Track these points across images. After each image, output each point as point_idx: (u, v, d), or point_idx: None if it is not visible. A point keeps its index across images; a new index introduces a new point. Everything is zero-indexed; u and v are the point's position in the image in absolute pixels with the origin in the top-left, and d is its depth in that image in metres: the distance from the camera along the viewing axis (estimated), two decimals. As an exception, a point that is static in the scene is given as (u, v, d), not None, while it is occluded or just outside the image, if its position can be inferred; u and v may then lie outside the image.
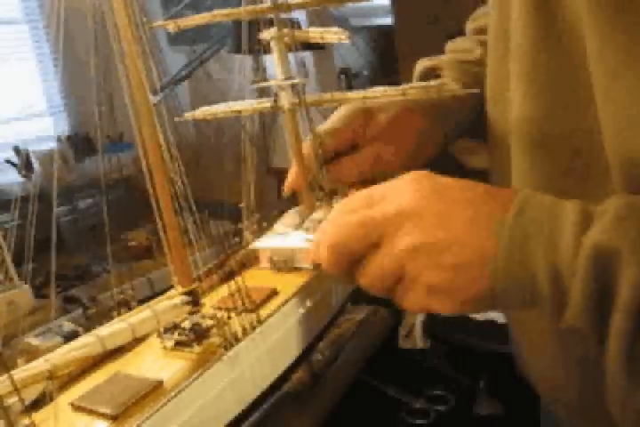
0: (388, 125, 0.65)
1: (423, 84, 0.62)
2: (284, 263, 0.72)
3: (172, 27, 0.61)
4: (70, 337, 0.62)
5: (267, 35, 0.64)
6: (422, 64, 0.74)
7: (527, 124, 0.50)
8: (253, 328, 0.60)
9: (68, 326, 0.79)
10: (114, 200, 0.65)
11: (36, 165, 2.06)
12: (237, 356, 0.58)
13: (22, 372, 0.47)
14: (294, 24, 0.64)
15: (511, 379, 0.70)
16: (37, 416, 0.48)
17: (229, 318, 0.60)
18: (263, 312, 0.62)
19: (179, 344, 0.60)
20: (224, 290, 0.64)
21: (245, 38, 0.65)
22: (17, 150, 2.09)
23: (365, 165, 0.66)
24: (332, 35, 0.62)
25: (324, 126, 0.66)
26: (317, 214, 0.75)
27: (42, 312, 1.21)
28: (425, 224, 0.39)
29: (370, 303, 1.02)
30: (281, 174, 0.73)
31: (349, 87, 2.60)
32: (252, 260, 0.76)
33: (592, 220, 0.36)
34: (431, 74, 0.72)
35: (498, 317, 1.40)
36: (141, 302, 0.60)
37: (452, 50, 0.75)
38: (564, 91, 0.47)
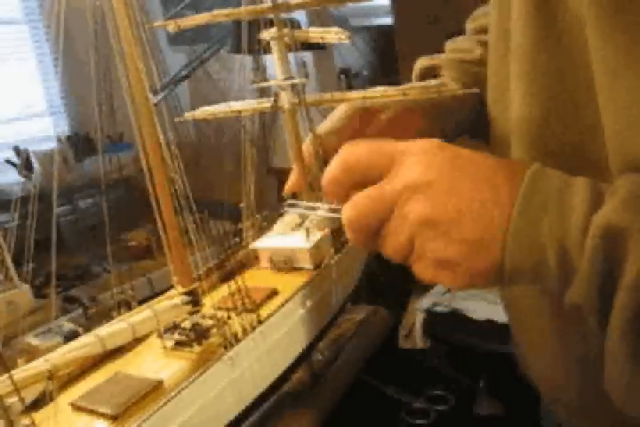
0: (387, 125, 0.64)
1: (423, 84, 0.62)
2: (284, 263, 0.72)
3: (172, 27, 0.61)
4: (70, 337, 0.62)
5: (267, 35, 0.64)
6: (422, 63, 0.74)
7: (527, 123, 0.50)
8: (253, 328, 0.60)
9: (67, 326, 0.79)
10: (114, 200, 0.65)
11: (36, 165, 2.06)
12: (237, 356, 0.58)
13: (22, 372, 0.47)
14: (294, 24, 0.64)
15: (511, 379, 0.70)
16: (37, 416, 0.48)
17: (229, 318, 0.60)
18: (263, 312, 0.62)
19: (179, 344, 0.60)
20: (224, 290, 0.64)
21: (245, 38, 0.65)
22: (17, 150, 2.09)
23: None
24: (333, 35, 0.62)
25: (323, 126, 0.66)
26: (317, 215, 0.75)
27: (42, 312, 1.21)
28: (434, 198, 0.39)
29: (370, 303, 1.02)
30: (281, 174, 0.73)
31: (349, 87, 2.60)
32: (252, 260, 0.76)
33: (602, 198, 0.36)
34: (430, 73, 0.72)
35: (498, 317, 1.40)
36: (141, 302, 0.60)
37: (451, 49, 0.75)
38: (564, 91, 0.47)
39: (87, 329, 0.56)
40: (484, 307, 1.53)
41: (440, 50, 0.76)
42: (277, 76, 0.65)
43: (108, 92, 0.56)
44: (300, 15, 1.87)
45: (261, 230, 0.76)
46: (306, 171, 0.67)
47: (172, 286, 0.61)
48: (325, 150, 0.64)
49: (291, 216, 0.76)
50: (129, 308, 0.60)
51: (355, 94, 0.63)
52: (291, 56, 0.65)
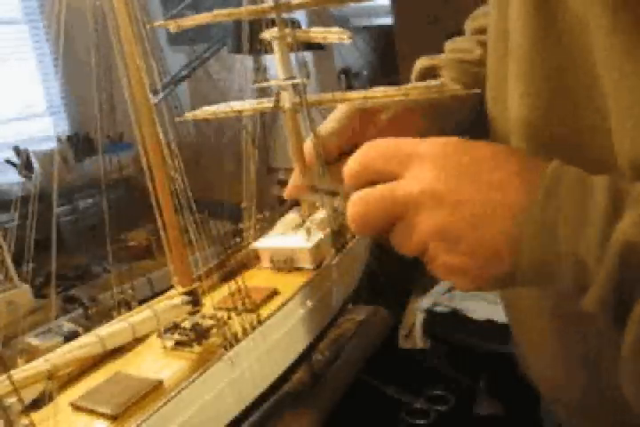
0: (387, 125, 0.64)
1: (424, 84, 0.62)
2: (285, 263, 0.72)
3: (172, 26, 0.61)
4: (70, 337, 0.62)
5: (268, 35, 0.64)
6: (422, 63, 0.74)
7: (526, 124, 0.50)
8: (253, 328, 0.60)
9: (67, 326, 0.79)
10: (114, 200, 0.65)
11: (36, 165, 2.06)
12: (237, 356, 0.58)
13: (22, 372, 0.47)
14: (294, 24, 0.64)
15: (511, 379, 0.70)
16: (37, 416, 0.48)
17: (229, 318, 0.60)
18: (263, 312, 0.62)
19: (179, 344, 0.60)
20: (224, 290, 0.64)
21: (246, 38, 0.65)
22: (17, 150, 2.09)
23: None
24: (334, 35, 0.62)
25: (323, 127, 0.66)
26: (318, 215, 0.75)
27: (42, 312, 1.21)
28: (447, 208, 0.38)
29: (370, 303, 1.02)
30: (282, 174, 0.73)
31: (349, 87, 2.60)
32: (252, 260, 0.76)
33: (622, 205, 0.34)
34: (430, 73, 0.72)
35: (498, 317, 1.40)
36: (141, 302, 0.60)
37: (451, 49, 0.75)
38: (564, 91, 0.47)
39: (87, 329, 0.56)
40: (484, 307, 1.53)
41: (440, 50, 0.76)
42: (279, 76, 0.65)
43: (109, 91, 0.56)
44: (299, 15, 1.87)
45: (262, 230, 0.76)
46: (307, 171, 0.67)
47: (171, 286, 0.61)
48: (326, 151, 0.64)
49: (292, 216, 0.76)
50: (129, 308, 0.60)
51: (355, 94, 0.63)
52: (291, 56, 0.65)
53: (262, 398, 0.63)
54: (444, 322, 1.61)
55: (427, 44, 0.82)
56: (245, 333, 0.59)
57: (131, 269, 0.66)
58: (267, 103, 0.67)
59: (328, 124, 0.66)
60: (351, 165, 0.45)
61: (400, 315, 1.62)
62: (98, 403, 0.51)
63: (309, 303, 0.68)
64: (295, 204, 0.77)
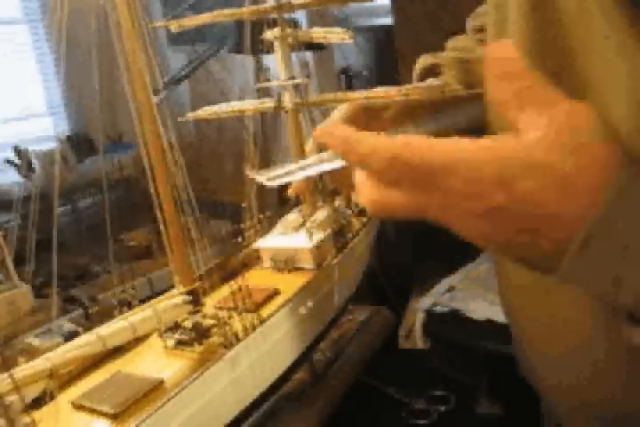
0: (389, 125, 0.64)
1: (426, 84, 0.62)
2: (286, 263, 0.72)
3: (174, 26, 0.61)
4: (70, 337, 0.62)
5: (270, 35, 0.64)
6: (423, 62, 0.73)
7: None
8: (254, 328, 0.60)
9: (67, 326, 0.79)
10: (114, 200, 0.65)
11: (36, 165, 2.06)
12: (238, 356, 0.58)
13: (23, 370, 0.47)
14: (295, 24, 0.64)
15: (512, 379, 0.70)
16: (38, 415, 0.48)
17: (230, 317, 0.60)
18: (264, 312, 0.62)
19: (180, 344, 0.60)
20: (225, 290, 0.64)
21: (247, 38, 0.65)
22: (17, 150, 2.09)
23: None
24: (336, 35, 0.62)
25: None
26: (319, 215, 0.75)
27: (42, 312, 1.21)
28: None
29: (370, 303, 1.02)
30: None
31: (349, 87, 2.59)
32: (253, 260, 0.76)
33: None
34: (431, 72, 0.72)
35: (498, 317, 1.40)
36: (141, 302, 0.60)
37: (452, 48, 0.75)
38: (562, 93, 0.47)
39: (87, 329, 0.56)
40: (484, 307, 1.53)
41: (440, 50, 0.76)
42: (280, 77, 0.66)
43: (110, 91, 0.56)
44: (299, 15, 1.87)
45: (263, 230, 0.76)
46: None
47: (172, 286, 0.61)
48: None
49: (293, 217, 0.76)
50: (130, 307, 0.60)
51: (357, 94, 0.63)
52: (293, 56, 0.65)
53: (262, 397, 0.63)
54: (444, 322, 1.60)
55: (427, 45, 0.82)
56: (246, 332, 0.59)
57: (131, 269, 0.66)
58: (268, 103, 0.67)
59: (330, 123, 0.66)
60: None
61: (400, 315, 1.62)
62: (98, 402, 0.51)
63: (310, 303, 0.68)
64: (296, 204, 0.77)
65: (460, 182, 0.34)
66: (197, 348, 0.58)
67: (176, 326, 0.60)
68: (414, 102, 0.64)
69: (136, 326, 0.55)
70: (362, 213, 0.83)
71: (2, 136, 2.19)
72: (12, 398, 0.45)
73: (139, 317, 0.56)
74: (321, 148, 0.67)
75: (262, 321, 0.61)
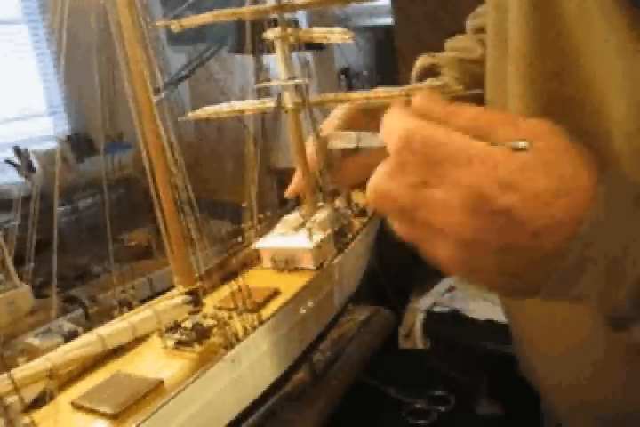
0: None
1: (426, 84, 0.62)
2: (286, 263, 0.72)
3: (175, 26, 0.61)
4: (70, 337, 0.62)
5: (270, 34, 0.64)
6: (422, 62, 0.74)
7: None
8: (254, 328, 0.60)
9: (67, 326, 0.78)
10: (114, 200, 0.65)
11: (36, 165, 2.06)
12: (238, 356, 0.58)
13: (23, 371, 0.47)
14: (296, 24, 0.64)
15: (512, 379, 0.70)
16: (38, 415, 0.48)
17: (230, 318, 0.60)
18: (264, 312, 0.62)
19: (180, 344, 0.59)
20: (225, 290, 0.64)
21: (248, 38, 0.65)
22: (17, 150, 2.09)
23: (367, 166, 0.66)
24: (336, 35, 0.62)
25: (326, 125, 0.66)
26: (319, 215, 0.75)
27: (42, 312, 1.21)
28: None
29: (371, 303, 1.02)
30: (281, 175, 0.73)
31: (349, 87, 2.60)
32: (254, 260, 0.76)
33: None
34: (430, 72, 0.72)
35: (498, 317, 1.40)
36: (141, 302, 0.60)
37: (451, 48, 0.75)
38: (563, 92, 0.47)
39: (87, 329, 0.56)
40: (484, 307, 1.53)
41: (440, 50, 0.76)
42: (281, 76, 0.66)
43: (110, 91, 0.56)
44: (299, 15, 1.87)
45: (263, 230, 0.76)
46: (309, 171, 0.67)
47: (172, 287, 0.61)
48: (328, 151, 0.64)
49: (293, 217, 0.76)
50: (130, 307, 0.60)
51: (358, 94, 0.63)
52: (293, 56, 0.65)
53: (263, 398, 0.63)
54: (443, 322, 1.61)
55: (427, 45, 0.82)
56: (246, 333, 0.59)
57: (131, 270, 0.66)
58: (269, 103, 0.67)
59: (330, 123, 0.66)
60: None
61: (400, 315, 1.62)
62: (98, 402, 0.51)
63: (310, 304, 0.68)
64: (296, 204, 0.77)
65: (471, 176, 0.33)
66: (197, 348, 0.58)
67: (176, 327, 0.60)
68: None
69: (136, 327, 0.55)
70: (362, 213, 0.83)
71: (2, 136, 2.20)
72: (12, 398, 0.45)
73: (139, 317, 0.56)
74: (323, 148, 0.67)
75: (262, 321, 0.61)
